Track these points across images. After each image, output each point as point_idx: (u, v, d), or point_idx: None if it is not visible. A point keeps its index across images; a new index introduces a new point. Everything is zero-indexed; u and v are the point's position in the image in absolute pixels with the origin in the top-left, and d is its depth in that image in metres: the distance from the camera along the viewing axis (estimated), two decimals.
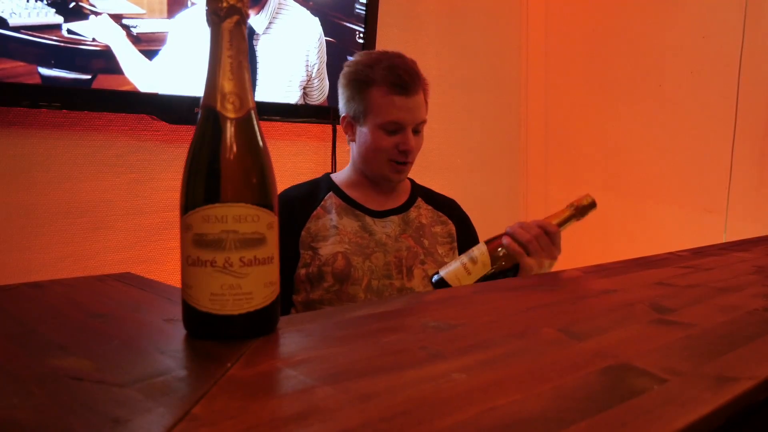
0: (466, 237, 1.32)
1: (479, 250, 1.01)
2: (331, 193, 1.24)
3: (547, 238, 1.00)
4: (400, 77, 1.16)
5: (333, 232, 1.18)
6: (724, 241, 1.75)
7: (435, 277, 1.03)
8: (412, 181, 1.35)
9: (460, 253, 1.27)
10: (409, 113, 1.17)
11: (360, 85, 1.19)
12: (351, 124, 1.23)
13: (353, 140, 1.25)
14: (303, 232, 1.19)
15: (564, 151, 2.47)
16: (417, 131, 1.21)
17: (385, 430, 0.34)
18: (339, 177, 1.29)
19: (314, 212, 1.21)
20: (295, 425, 0.34)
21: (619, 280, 0.81)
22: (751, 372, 0.44)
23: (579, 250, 2.14)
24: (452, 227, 1.30)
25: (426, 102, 1.23)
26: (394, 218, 1.25)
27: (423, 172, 2.23)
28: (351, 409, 0.37)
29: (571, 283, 0.80)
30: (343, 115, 1.25)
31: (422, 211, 1.29)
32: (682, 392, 0.40)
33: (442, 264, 1.22)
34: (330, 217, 1.21)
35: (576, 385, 0.41)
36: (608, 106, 2.31)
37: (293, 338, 0.53)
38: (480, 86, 2.40)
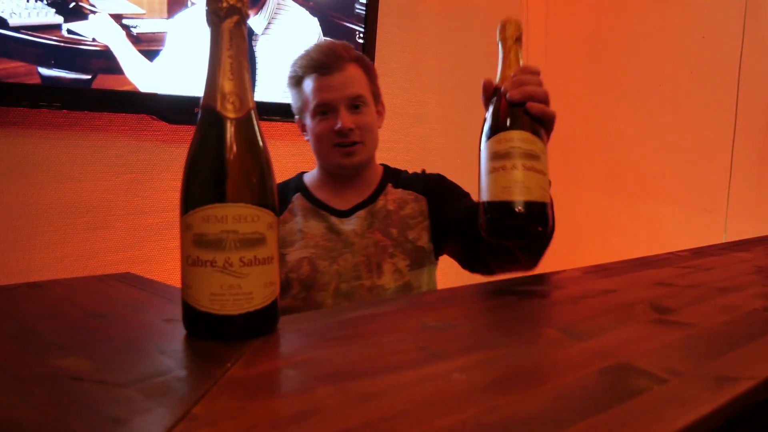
0: (441, 203, 1.20)
1: (520, 142, 0.73)
2: (298, 194, 1.20)
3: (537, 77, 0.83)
4: (316, 60, 1.12)
5: (299, 236, 1.15)
6: (724, 241, 1.76)
7: (516, 208, 0.71)
8: (385, 167, 1.27)
9: (437, 228, 1.18)
10: (333, 91, 1.11)
11: (294, 84, 1.17)
12: (302, 125, 1.19)
13: (307, 140, 1.20)
14: None
15: (564, 151, 2.47)
16: (356, 106, 1.13)
17: (385, 430, 0.34)
18: (309, 176, 1.24)
19: (282, 216, 1.17)
20: (295, 425, 0.34)
21: (619, 280, 0.81)
22: (751, 372, 0.44)
23: (579, 250, 2.14)
24: (424, 203, 1.19)
25: (367, 77, 1.17)
26: (361, 213, 1.17)
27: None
28: (351, 409, 0.37)
29: (571, 283, 0.80)
30: (297, 119, 1.21)
31: (389, 197, 1.20)
32: (682, 392, 0.40)
33: (412, 252, 1.15)
34: (296, 220, 1.17)
35: (576, 385, 0.41)
36: (608, 106, 2.31)
37: (293, 338, 0.53)
38: (480, 86, 2.40)
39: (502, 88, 0.82)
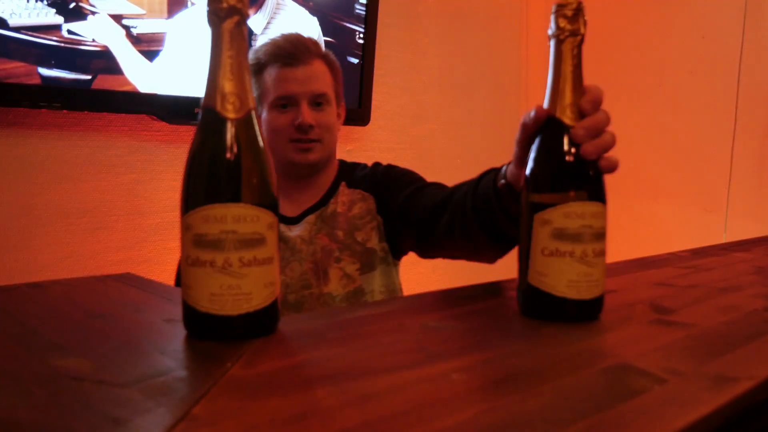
0: (388, 197, 1.10)
1: (592, 219, 0.58)
2: None
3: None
4: (283, 48, 1.07)
5: None
6: (724, 241, 1.75)
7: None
8: (341, 162, 1.19)
9: (387, 224, 1.09)
10: (298, 84, 1.05)
11: (254, 71, 1.09)
12: (259, 117, 1.15)
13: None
14: None
15: None
16: (319, 104, 1.08)
17: (385, 430, 0.34)
18: None
19: None
20: (295, 425, 0.34)
21: (619, 280, 0.81)
22: (751, 372, 0.44)
23: None
24: (371, 201, 1.12)
25: (333, 76, 1.11)
26: (310, 218, 1.11)
27: (423, 172, 2.23)
28: (351, 409, 0.37)
29: None
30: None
31: (339, 198, 1.13)
32: (682, 392, 0.40)
33: (362, 254, 1.08)
34: None
35: (576, 385, 0.41)
36: (608, 106, 2.30)
37: (293, 338, 0.53)
38: (480, 86, 2.40)
39: (572, 131, 0.59)
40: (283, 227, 1.10)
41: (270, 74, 1.07)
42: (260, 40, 1.68)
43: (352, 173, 1.17)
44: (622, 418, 0.36)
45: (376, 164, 1.19)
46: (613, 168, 0.61)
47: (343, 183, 1.15)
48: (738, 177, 2.00)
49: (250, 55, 1.09)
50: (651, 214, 2.22)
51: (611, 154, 0.61)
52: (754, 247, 1.16)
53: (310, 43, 1.10)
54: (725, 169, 2.02)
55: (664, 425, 0.35)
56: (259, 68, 1.09)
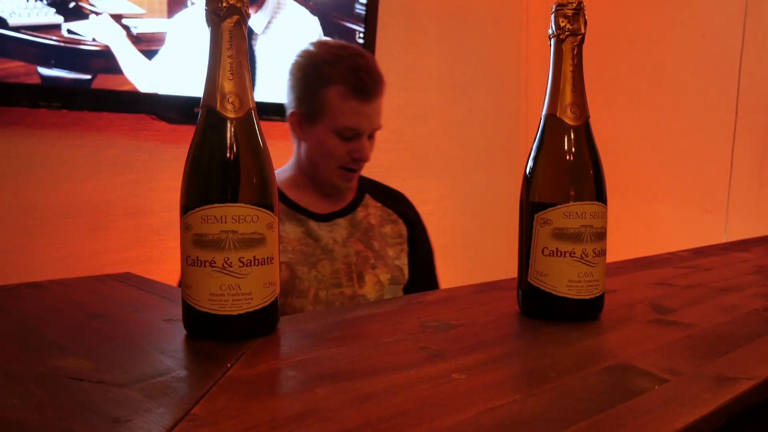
0: (417, 236, 1.22)
1: (593, 219, 0.58)
2: None
3: None
4: (363, 80, 1.05)
5: None
6: (724, 240, 1.75)
7: None
8: (360, 176, 1.23)
9: (411, 254, 1.19)
10: (367, 120, 1.08)
11: (316, 82, 1.07)
12: (301, 122, 1.11)
13: (301, 138, 1.13)
14: None
15: None
16: (371, 136, 1.13)
17: (385, 430, 0.34)
18: (281, 176, 1.17)
19: None
20: (295, 425, 0.34)
21: (619, 280, 0.81)
22: (751, 372, 0.44)
23: None
24: (403, 227, 1.20)
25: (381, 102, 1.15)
26: (341, 221, 1.14)
27: (423, 172, 2.23)
28: (351, 409, 0.37)
29: None
30: (291, 110, 1.12)
31: (371, 210, 1.19)
32: (682, 392, 0.40)
33: (393, 267, 1.16)
34: None
35: (576, 385, 0.41)
36: (608, 106, 2.30)
37: (293, 338, 0.53)
38: (480, 86, 2.40)
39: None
40: (313, 224, 1.12)
41: (338, 96, 1.06)
42: (261, 40, 1.68)
43: (374, 186, 1.24)
44: (622, 418, 0.36)
45: (401, 195, 1.26)
46: None
47: (368, 195, 1.21)
48: (738, 177, 2.00)
49: (302, 59, 1.09)
50: (651, 214, 2.22)
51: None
52: (754, 247, 1.16)
53: (382, 74, 1.10)
54: (725, 169, 2.02)
55: (664, 425, 0.35)
56: (325, 83, 1.06)
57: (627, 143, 2.26)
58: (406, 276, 1.17)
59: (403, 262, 1.17)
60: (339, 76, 1.05)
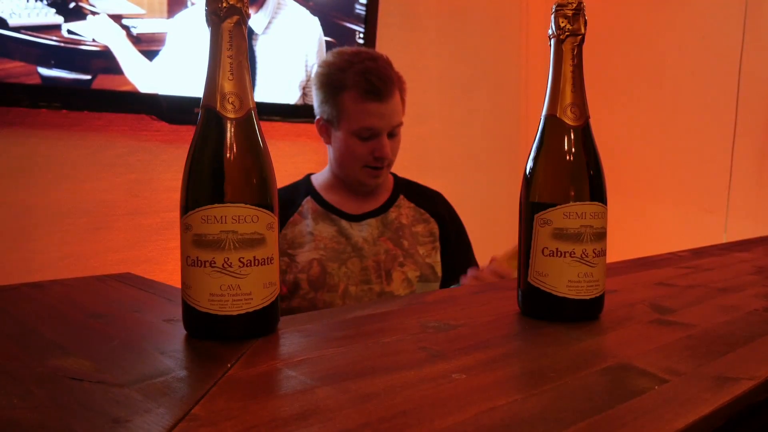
0: (451, 233, 1.27)
1: (593, 219, 0.59)
2: (308, 197, 1.22)
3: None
4: (372, 83, 1.12)
5: (309, 238, 1.17)
6: (724, 241, 1.75)
7: None
8: (394, 176, 1.31)
9: (444, 252, 1.24)
10: (382, 119, 1.14)
11: (332, 89, 1.15)
12: (326, 128, 1.20)
13: (329, 143, 1.21)
14: (278, 238, 1.14)
15: None
16: (393, 134, 1.18)
17: (385, 430, 0.34)
18: (318, 179, 1.26)
19: (291, 218, 1.19)
20: (295, 425, 0.34)
21: (619, 280, 0.81)
22: (751, 372, 0.44)
23: None
24: (435, 226, 1.25)
25: (403, 102, 1.20)
26: (372, 221, 1.21)
27: (423, 172, 2.23)
28: (351, 409, 0.37)
29: None
30: (317, 117, 1.21)
31: (403, 210, 1.24)
32: (682, 392, 0.40)
33: (423, 265, 1.20)
34: (306, 222, 1.18)
35: (576, 385, 0.41)
36: (608, 106, 2.30)
37: (293, 338, 0.53)
38: (480, 86, 2.40)
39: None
40: (345, 224, 1.19)
41: (352, 100, 1.13)
42: (261, 40, 1.68)
43: (408, 187, 1.29)
44: (622, 418, 0.36)
45: (436, 193, 1.32)
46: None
47: (402, 195, 1.26)
48: (738, 177, 2.00)
49: (322, 69, 1.17)
50: (651, 214, 2.22)
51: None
52: (754, 247, 1.16)
53: (394, 75, 1.16)
54: (725, 169, 2.02)
55: (664, 425, 0.35)
56: (339, 89, 1.14)
57: (627, 143, 2.26)
58: (439, 274, 1.22)
59: (435, 260, 1.21)
60: (350, 81, 1.13)
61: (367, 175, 1.18)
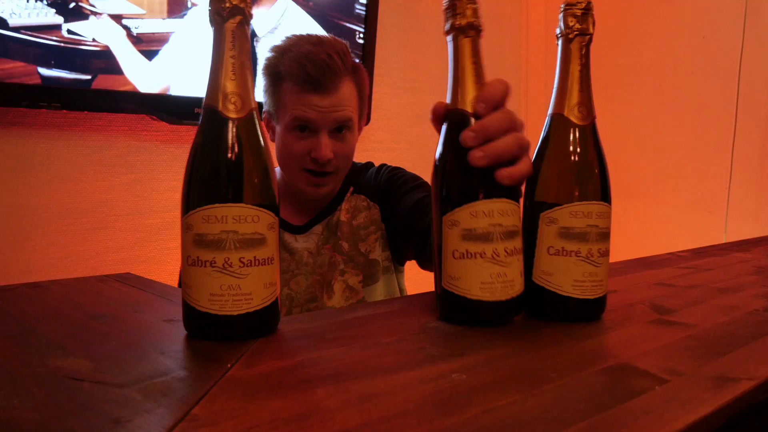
0: (392, 206, 1.04)
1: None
2: None
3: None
4: (307, 72, 0.93)
5: None
6: (724, 241, 1.75)
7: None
8: (352, 165, 1.11)
9: (390, 232, 1.04)
10: (320, 113, 0.95)
11: (272, 77, 0.99)
12: (268, 122, 1.03)
13: (273, 141, 1.04)
14: None
15: None
16: (340, 130, 0.98)
17: (384, 430, 0.34)
18: None
19: None
20: (295, 425, 0.34)
21: (619, 280, 0.81)
22: (751, 372, 0.44)
23: None
24: (376, 211, 1.06)
25: (359, 94, 1.01)
26: (317, 227, 1.05)
27: (423, 172, 2.23)
28: (351, 409, 0.37)
29: None
30: (264, 109, 1.03)
31: (343, 206, 1.06)
32: (682, 392, 0.40)
33: (365, 266, 1.03)
34: None
35: (576, 385, 0.41)
36: (608, 106, 2.31)
37: (293, 338, 0.53)
38: None
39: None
40: (288, 237, 1.04)
41: (289, 89, 0.96)
42: (262, 41, 1.68)
43: (358, 178, 1.10)
44: (622, 418, 0.36)
45: (381, 167, 1.12)
46: (508, 180, 0.54)
47: (351, 189, 1.08)
48: (738, 177, 2.00)
49: (268, 54, 1.00)
50: (651, 215, 2.22)
51: (516, 165, 0.55)
52: (754, 247, 1.16)
53: (339, 62, 0.95)
54: (725, 169, 2.02)
55: (664, 425, 0.35)
56: (277, 77, 0.98)
57: (626, 143, 2.26)
58: (385, 264, 1.07)
59: (377, 253, 1.05)
60: (285, 69, 0.96)
61: (305, 182, 0.99)
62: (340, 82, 0.97)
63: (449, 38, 0.59)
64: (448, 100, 0.59)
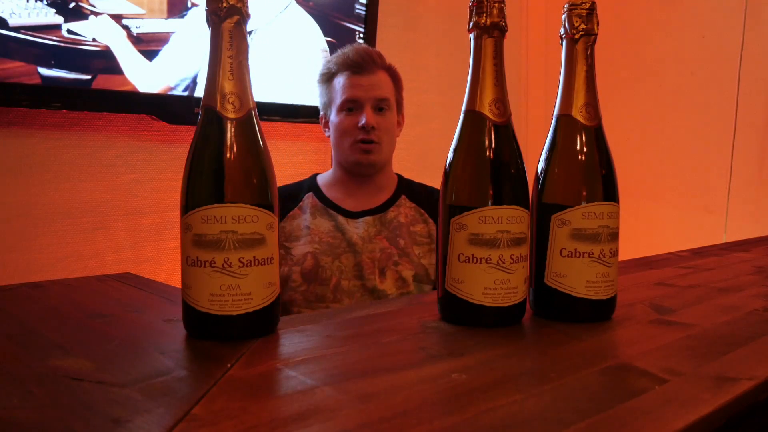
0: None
1: (610, 219, 0.58)
2: (310, 193, 1.25)
3: None
4: (351, 59, 1.20)
5: (305, 232, 1.19)
6: (724, 241, 1.75)
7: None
8: (399, 177, 1.32)
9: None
10: (362, 90, 1.19)
11: (325, 80, 1.24)
12: (324, 119, 1.27)
13: (329, 133, 1.27)
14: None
15: None
16: (381, 109, 1.21)
17: (385, 430, 0.34)
18: (323, 177, 1.30)
19: (291, 212, 1.22)
20: (295, 425, 0.34)
21: (619, 280, 0.80)
22: (751, 372, 0.44)
23: None
24: (433, 227, 1.25)
25: (394, 85, 1.25)
26: (369, 219, 1.22)
27: (423, 172, 2.23)
28: (351, 409, 0.37)
29: None
30: (321, 114, 1.28)
31: (402, 210, 1.25)
32: (682, 392, 0.40)
33: (418, 265, 1.19)
34: (304, 217, 1.21)
35: (576, 385, 0.41)
36: (608, 106, 2.30)
37: (293, 338, 0.53)
38: None
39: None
40: (342, 219, 1.22)
41: (338, 81, 1.21)
42: (262, 41, 1.68)
43: (410, 186, 1.30)
44: (622, 418, 0.36)
45: (436, 191, 1.27)
46: None
47: (404, 196, 1.27)
48: (738, 177, 2.00)
49: (323, 66, 1.26)
50: (651, 215, 2.22)
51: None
52: (754, 247, 1.16)
53: (376, 56, 1.23)
54: (725, 169, 2.02)
55: (664, 425, 0.35)
56: (329, 77, 1.24)
57: (627, 143, 2.26)
58: (432, 276, 1.21)
59: (431, 261, 1.21)
60: (335, 66, 1.22)
61: (357, 151, 1.20)
62: (378, 69, 1.22)
63: (472, 36, 0.58)
64: (465, 99, 0.59)
